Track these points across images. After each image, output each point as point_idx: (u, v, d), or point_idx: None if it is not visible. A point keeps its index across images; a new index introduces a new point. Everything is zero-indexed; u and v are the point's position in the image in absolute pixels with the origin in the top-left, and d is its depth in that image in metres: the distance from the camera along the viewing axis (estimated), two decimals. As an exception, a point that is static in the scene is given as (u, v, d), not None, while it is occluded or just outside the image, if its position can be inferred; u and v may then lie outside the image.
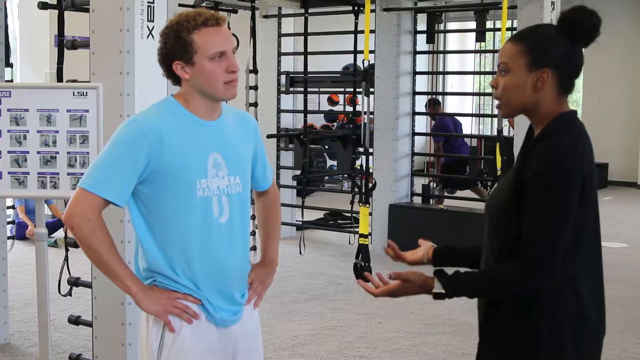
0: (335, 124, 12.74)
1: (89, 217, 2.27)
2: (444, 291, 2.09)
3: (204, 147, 2.36)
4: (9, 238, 5.49)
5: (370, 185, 6.49)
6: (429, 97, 10.27)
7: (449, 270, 2.14)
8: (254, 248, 6.96)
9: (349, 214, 8.53)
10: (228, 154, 2.40)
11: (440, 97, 15.74)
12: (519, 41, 2.13)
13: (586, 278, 2.10)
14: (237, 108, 2.63)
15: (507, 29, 7.63)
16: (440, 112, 10.08)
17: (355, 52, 7.74)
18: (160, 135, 2.28)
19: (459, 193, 9.80)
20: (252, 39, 7.14)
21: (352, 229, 8.23)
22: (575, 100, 14.67)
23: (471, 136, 9.91)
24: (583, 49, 2.14)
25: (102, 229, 2.30)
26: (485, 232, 2.21)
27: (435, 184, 9.86)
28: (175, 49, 2.31)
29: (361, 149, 6.90)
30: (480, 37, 8.57)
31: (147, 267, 2.39)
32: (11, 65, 5.27)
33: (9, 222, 5.89)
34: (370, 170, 6.96)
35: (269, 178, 2.66)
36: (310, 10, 7.98)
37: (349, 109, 9.84)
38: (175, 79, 2.38)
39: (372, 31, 7.10)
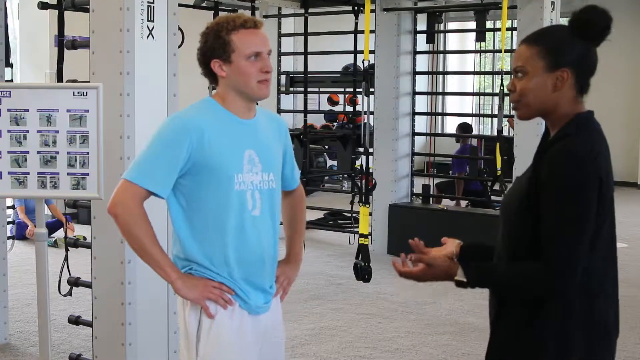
0: (335, 124, 12.74)
1: (131, 207, 2.41)
2: (465, 279, 2.10)
3: (240, 144, 2.50)
4: (9, 238, 5.49)
5: (370, 185, 6.49)
6: (460, 123, 10.24)
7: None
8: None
9: (349, 214, 8.53)
10: (262, 152, 2.54)
11: (440, 97, 15.85)
12: (534, 43, 2.13)
13: (601, 279, 2.10)
14: (269, 110, 2.81)
15: (507, 29, 7.65)
16: (467, 143, 9.98)
17: (355, 52, 7.75)
18: (201, 131, 2.42)
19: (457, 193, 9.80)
20: (252, 39, 7.15)
21: (352, 229, 8.23)
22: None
23: (471, 136, 9.89)
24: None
25: (144, 218, 2.43)
26: (500, 232, 2.21)
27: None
28: (215, 48, 2.47)
29: (361, 149, 6.90)
30: (480, 37, 8.58)
31: (183, 256, 2.51)
32: (11, 65, 5.27)
33: (9, 222, 5.88)
34: (370, 170, 6.96)
35: (297, 178, 2.81)
36: (310, 10, 7.98)
37: (349, 109, 9.84)
38: (213, 78, 2.53)
39: (372, 31, 7.10)
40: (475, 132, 14.55)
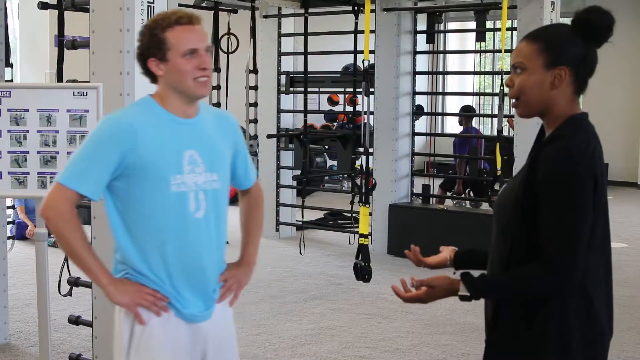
0: (335, 124, 12.74)
1: (62, 210, 2.36)
2: (469, 294, 2.11)
3: (179, 144, 2.42)
4: (9, 238, 5.49)
5: (370, 185, 6.49)
6: (464, 106, 10.27)
7: (475, 273, 2.16)
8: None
9: (349, 214, 8.53)
10: (205, 152, 2.46)
11: (440, 97, 15.84)
12: (534, 40, 2.13)
13: (596, 279, 2.10)
14: (216, 108, 2.70)
15: (507, 29, 7.64)
16: (470, 122, 10.00)
17: (355, 52, 7.74)
18: (134, 132, 2.36)
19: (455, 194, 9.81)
20: (252, 39, 7.15)
21: (352, 229, 8.23)
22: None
23: (471, 136, 9.88)
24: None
25: (75, 221, 2.38)
26: (493, 232, 2.21)
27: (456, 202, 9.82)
28: (150, 46, 2.40)
29: (361, 149, 6.90)
30: (480, 37, 8.56)
31: (120, 260, 2.47)
32: (11, 65, 5.27)
33: (9, 222, 5.89)
34: (370, 170, 6.95)
35: (251, 177, 2.72)
36: (310, 10, 7.98)
37: (349, 109, 9.84)
38: (152, 77, 2.47)
39: (372, 31, 7.10)
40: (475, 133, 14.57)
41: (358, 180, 6.59)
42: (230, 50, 7.59)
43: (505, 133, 8.88)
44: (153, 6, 3.74)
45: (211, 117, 2.56)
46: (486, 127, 14.68)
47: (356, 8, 7.63)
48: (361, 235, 6.17)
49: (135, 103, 2.50)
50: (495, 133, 7.48)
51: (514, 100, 2.18)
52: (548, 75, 2.11)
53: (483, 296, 2.15)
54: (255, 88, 7.20)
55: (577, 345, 2.07)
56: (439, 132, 14.96)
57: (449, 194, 10.08)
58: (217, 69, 7.00)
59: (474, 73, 15.61)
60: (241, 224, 2.78)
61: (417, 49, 8.47)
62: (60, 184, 2.37)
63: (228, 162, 2.56)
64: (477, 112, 10.27)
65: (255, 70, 7.20)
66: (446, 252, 2.43)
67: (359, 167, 6.74)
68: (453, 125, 14.76)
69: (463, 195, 9.71)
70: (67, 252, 2.41)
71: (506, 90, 2.28)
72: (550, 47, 2.10)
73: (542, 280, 2.03)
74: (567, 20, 2.22)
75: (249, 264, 2.71)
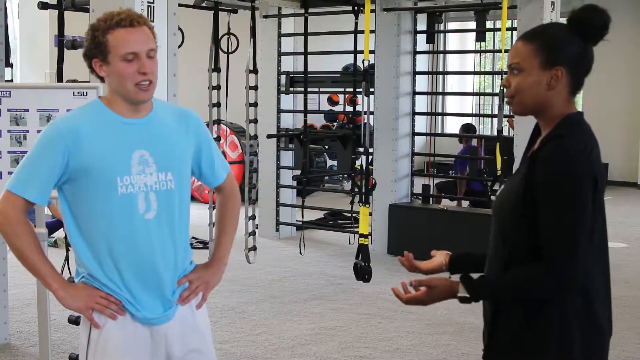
0: (335, 124, 12.74)
1: (10, 216, 2.36)
2: (469, 295, 2.10)
3: (127, 145, 2.39)
4: (9, 238, 5.48)
5: (370, 185, 6.49)
6: (464, 124, 10.22)
7: (474, 275, 2.15)
8: (253, 248, 6.96)
9: (349, 214, 8.53)
10: (156, 151, 2.42)
11: (440, 97, 15.84)
12: (531, 40, 2.13)
13: (595, 279, 2.10)
14: (178, 105, 2.66)
15: (507, 29, 7.65)
16: (469, 144, 9.94)
17: (355, 52, 7.74)
18: (77, 135, 2.35)
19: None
20: (252, 39, 7.14)
21: (352, 229, 8.23)
22: (575, 101, 14.67)
23: (471, 136, 9.88)
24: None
25: (25, 227, 2.37)
26: (492, 232, 2.21)
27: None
28: (92, 48, 2.38)
29: (361, 149, 6.90)
30: (480, 37, 8.57)
31: (79, 263, 2.47)
32: (11, 65, 5.27)
33: (9, 222, 5.88)
34: (370, 170, 6.95)
35: (220, 174, 2.65)
36: (310, 10, 7.97)
37: (349, 109, 9.84)
38: (100, 77, 2.44)
39: (372, 31, 7.10)
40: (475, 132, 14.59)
41: (358, 181, 6.59)
42: (230, 50, 7.58)
43: (505, 133, 8.87)
44: (153, 6, 3.74)
45: (169, 115, 2.51)
46: (486, 127, 14.68)
47: (356, 8, 7.63)
48: (361, 235, 6.17)
49: (82, 106, 2.48)
50: (495, 133, 7.47)
51: (508, 99, 2.18)
52: (545, 76, 2.10)
53: (483, 297, 2.15)
54: (255, 88, 7.19)
55: (578, 345, 2.07)
56: (439, 132, 14.96)
57: (449, 195, 10.05)
58: (217, 69, 6.99)
59: (474, 73, 15.61)
60: (215, 222, 2.75)
61: (417, 49, 8.47)
62: (8, 190, 2.37)
63: (188, 161, 2.51)
64: (477, 112, 10.24)
65: (255, 70, 7.18)
66: (440, 256, 2.41)
67: (359, 167, 6.74)
68: (453, 125, 14.77)
69: (464, 198, 9.68)
70: (17, 257, 2.40)
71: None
72: (546, 48, 2.10)
73: (542, 281, 2.03)
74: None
75: (219, 264, 2.65)
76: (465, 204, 9.64)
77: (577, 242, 2.01)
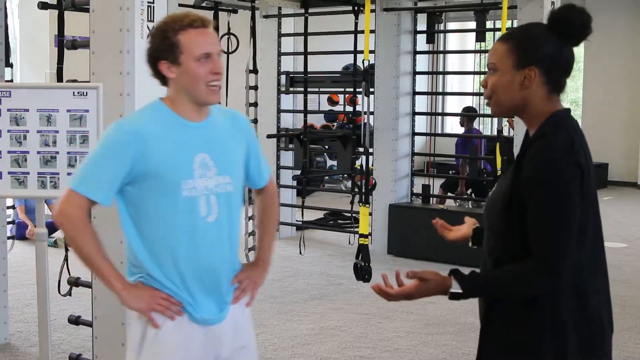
0: (335, 124, 12.73)
1: (74, 216, 2.36)
2: (461, 291, 2.09)
3: (190, 148, 2.41)
4: (9, 238, 5.49)
5: (370, 185, 6.49)
6: (466, 107, 10.21)
7: (465, 270, 2.14)
8: (253, 248, 6.96)
9: (349, 214, 8.53)
10: (216, 155, 2.44)
11: (440, 97, 15.84)
12: (506, 40, 2.14)
13: (589, 275, 2.09)
14: (227, 107, 2.69)
15: (507, 29, 7.63)
16: (472, 123, 9.96)
17: (355, 52, 7.74)
18: (144, 138, 2.35)
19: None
20: (252, 39, 7.14)
21: (352, 229, 8.23)
22: (575, 100, 14.68)
23: (471, 136, 9.87)
24: (580, 47, 2.14)
25: (88, 227, 2.38)
26: (485, 235, 2.21)
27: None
28: (162, 49, 2.38)
29: (361, 149, 6.90)
30: (480, 37, 8.56)
31: (135, 263, 2.46)
32: (11, 65, 5.27)
33: (9, 222, 5.88)
34: (370, 170, 6.95)
35: (265, 176, 2.69)
36: (310, 10, 7.98)
37: (349, 109, 9.84)
38: (162, 80, 2.44)
39: (372, 31, 7.10)
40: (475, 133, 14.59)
41: (358, 180, 6.59)
42: (230, 50, 7.59)
43: (505, 133, 8.88)
44: (153, 6, 3.74)
45: (223, 118, 2.53)
46: (486, 127, 14.68)
47: (356, 8, 7.63)
48: (361, 235, 6.17)
49: (145, 107, 2.48)
50: (495, 133, 7.48)
51: (487, 99, 2.19)
52: (518, 76, 2.11)
53: (475, 293, 2.12)
54: (255, 88, 7.19)
55: (573, 344, 2.06)
56: (439, 132, 14.96)
57: (450, 194, 10.06)
58: (217, 69, 7.01)
59: (474, 73, 15.56)
60: (257, 224, 2.78)
61: (417, 49, 8.47)
62: (72, 189, 2.37)
63: (241, 163, 2.54)
64: (478, 112, 10.22)
65: (255, 70, 7.19)
66: (467, 228, 2.44)
67: (359, 167, 6.74)
68: (453, 125, 14.76)
69: (465, 196, 9.70)
70: (80, 257, 2.41)
71: None
72: (520, 48, 2.10)
73: (531, 275, 2.03)
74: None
75: (264, 264, 2.69)
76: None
77: (566, 236, 2.00)
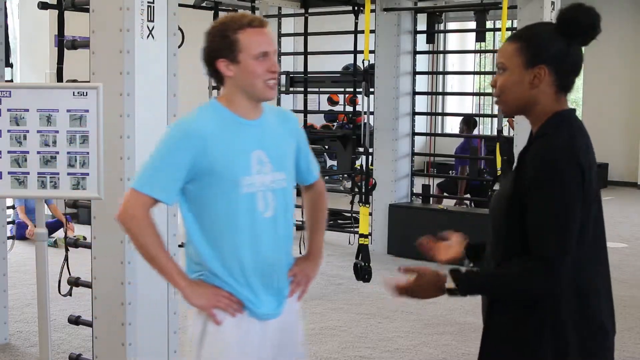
0: (335, 124, 12.74)
1: (138, 216, 2.41)
2: (456, 287, 2.09)
3: (247, 146, 2.47)
4: (9, 238, 5.49)
5: (370, 185, 6.49)
6: (466, 117, 10.16)
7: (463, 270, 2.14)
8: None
9: (349, 214, 8.53)
10: (271, 152, 2.51)
11: (440, 97, 15.84)
12: (515, 40, 2.15)
13: (590, 276, 2.09)
14: (277, 107, 2.75)
15: (507, 29, 7.64)
16: (472, 133, 9.94)
17: (355, 52, 7.74)
18: (204, 137, 2.41)
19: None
20: (252, 39, 7.14)
21: (352, 229, 8.23)
22: (575, 100, 14.67)
23: (471, 136, 9.87)
24: (583, 47, 2.15)
25: (151, 226, 2.43)
26: (489, 236, 2.21)
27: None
28: (221, 48, 2.44)
29: (361, 149, 6.90)
30: (480, 37, 8.57)
31: (196, 260, 2.50)
32: (11, 65, 5.27)
33: (9, 222, 5.88)
34: (370, 170, 6.95)
35: (314, 172, 2.76)
36: (310, 10, 7.98)
37: (349, 109, 9.84)
38: (218, 78, 2.50)
39: (372, 31, 7.10)
40: (476, 132, 14.60)
41: (358, 180, 6.59)
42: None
43: (505, 133, 8.88)
44: (153, 6, 3.74)
45: (274, 116, 2.61)
46: (486, 127, 14.68)
47: (356, 8, 7.63)
48: (361, 235, 6.18)
49: (202, 107, 2.53)
50: (495, 133, 7.48)
51: (495, 98, 2.19)
52: (527, 75, 2.11)
53: (472, 292, 2.12)
54: (255, 88, 7.20)
55: (574, 345, 2.06)
56: (439, 132, 14.96)
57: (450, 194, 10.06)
58: (217, 69, 7.03)
59: (474, 73, 15.61)
60: (306, 219, 2.84)
61: (417, 49, 8.47)
62: (135, 189, 2.42)
63: (293, 160, 2.61)
64: (477, 112, 10.23)
65: (255, 70, 7.20)
66: (456, 243, 2.38)
67: (359, 167, 6.74)
68: (453, 125, 14.76)
69: (465, 197, 9.69)
70: (143, 256, 2.46)
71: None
72: (529, 47, 2.11)
73: (530, 278, 2.03)
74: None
75: (316, 257, 2.75)
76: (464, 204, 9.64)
77: (565, 237, 2.00)
